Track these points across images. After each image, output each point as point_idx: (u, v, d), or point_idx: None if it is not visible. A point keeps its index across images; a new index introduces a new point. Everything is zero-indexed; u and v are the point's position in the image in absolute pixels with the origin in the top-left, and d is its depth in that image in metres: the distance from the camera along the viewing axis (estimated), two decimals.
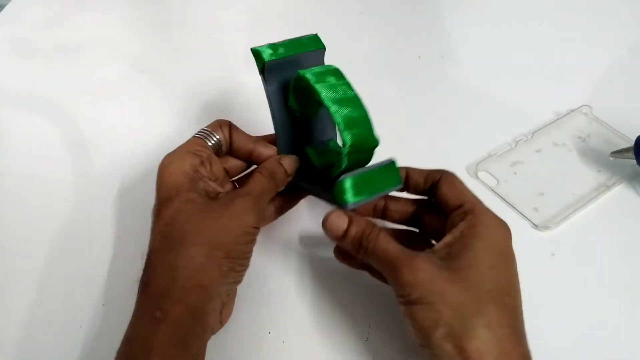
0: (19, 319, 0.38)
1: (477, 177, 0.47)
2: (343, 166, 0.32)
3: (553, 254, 0.41)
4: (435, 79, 0.58)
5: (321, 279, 0.40)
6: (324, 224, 0.33)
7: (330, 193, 0.33)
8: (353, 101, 0.33)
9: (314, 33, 0.37)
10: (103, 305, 0.39)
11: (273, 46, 0.36)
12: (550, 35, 0.63)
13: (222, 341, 0.37)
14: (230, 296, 0.34)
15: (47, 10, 0.69)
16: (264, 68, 0.36)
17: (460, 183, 0.34)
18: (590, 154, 0.48)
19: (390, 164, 0.34)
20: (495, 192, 0.45)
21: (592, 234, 0.43)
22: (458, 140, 0.50)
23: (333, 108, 0.32)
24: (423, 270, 0.29)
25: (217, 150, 0.37)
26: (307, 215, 0.44)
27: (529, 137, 0.50)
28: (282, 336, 0.37)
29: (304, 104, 0.37)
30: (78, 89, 0.57)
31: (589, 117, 0.52)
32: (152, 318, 0.28)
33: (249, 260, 0.33)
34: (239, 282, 0.33)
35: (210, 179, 0.34)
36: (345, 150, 0.31)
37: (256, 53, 0.36)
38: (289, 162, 0.36)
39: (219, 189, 0.34)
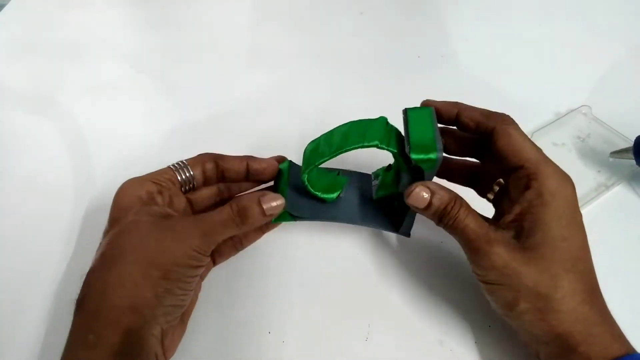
0: (19, 319, 0.38)
1: None
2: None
3: None
4: (435, 79, 0.58)
5: (321, 278, 0.40)
6: (408, 195, 0.32)
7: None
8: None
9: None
10: None
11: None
12: (550, 35, 0.63)
13: (222, 341, 0.37)
14: (171, 323, 0.31)
15: (47, 10, 0.69)
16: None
17: (519, 135, 0.32)
18: (590, 154, 0.49)
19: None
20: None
21: (591, 234, 0.43)
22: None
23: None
24: (499, 255, 0.30)
25: (187, 186, 0.36)
26: None
27: (529, 137, 0.50)
28: (282, 336, 0.37)
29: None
30: (78, 89, 0.57)
31: (589, 117, 0.52)
32: (85, 342, 0.27)
33: (192, 285, 0.31)
34: (181, 307, 0.31)
35: (166, 207, 0.34)
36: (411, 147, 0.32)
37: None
38: (270, 205, 0.32)
39: (174, 214, 0.33)
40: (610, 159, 0.47)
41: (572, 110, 0.53)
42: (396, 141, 0.34)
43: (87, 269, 0.41)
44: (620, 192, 0.46)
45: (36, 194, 0.47)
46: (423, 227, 0.43)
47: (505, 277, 0.30)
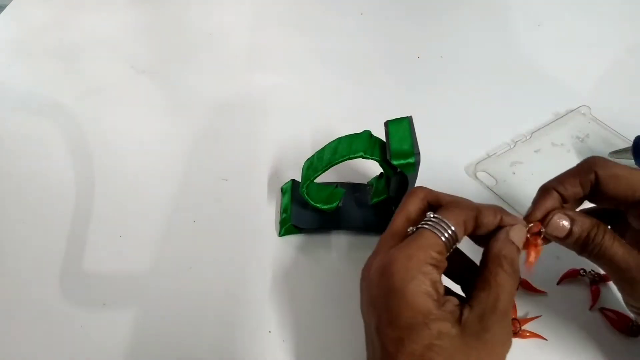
0: (20, 319, 0.38)
1: (476, 177, 0.47)
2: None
3: (558, 257, 0.41)
4: (434, 79, 0.58)
5: (321, 278, 0.40)
6: (547, 225, 0.30)
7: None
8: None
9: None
10: (103, 305, 0.39)
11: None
12: (549, 35, 0.63)
13: (222, 341, 0.37)
14: None
15: (47, 11, 0.69)
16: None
17: (621, 169, 0.30)
18: (589, 154, 0.48)
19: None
20: (494, 192, 0.46)
21: None
22: (457, 140, 0.50)
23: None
24: None
25: (450, 248, 0.28)
26: None
27: (528, 137, 0.50)
28: (282, 335, 0.37)
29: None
30: (78, 89, 0.57)
31: (588, 117, 0.52)
32: None
33: None
34: None
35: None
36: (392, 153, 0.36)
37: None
38: (518, 234, 0.28)
39: (456, 301, 0.27)
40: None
41: (571, 111, 0.53)
42: (379, 150, 0.37)
43: (88, 268, 0.41)
44: None
45: (36, 194, 0.47)
46: None
47: None
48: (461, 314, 0.26)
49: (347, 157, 0.37)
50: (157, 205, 0.46)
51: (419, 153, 0.36)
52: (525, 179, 0.47)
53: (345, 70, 0.59)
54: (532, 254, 0.30)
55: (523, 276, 0.30)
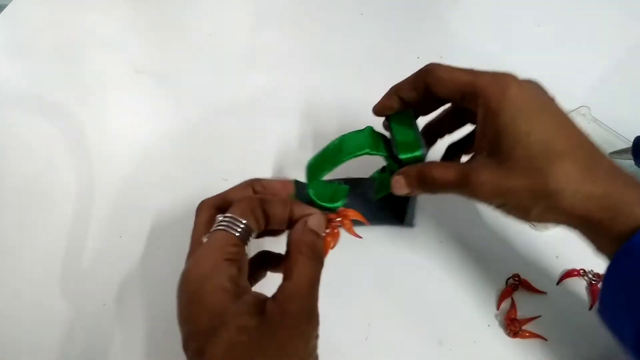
0: (20, 319, 0.38)
1: None
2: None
3: (557, 257, 0.41)
4: None
5: (323, 276, 0.40)
6: (393, 190, 0.35)
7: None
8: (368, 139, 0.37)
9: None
10: (103, 305, 0.39)
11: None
12: (549, 36, 0.64)
13: None
14: None
15: (48, 11, 0.69)
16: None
17: (445, 70, 0.32)
18: None
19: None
20: None
21: None
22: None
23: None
24: (484, 182, 0.30)
25: (246, 240, 0.28)
26: None
27: None
28: None
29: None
30: (79, 89, 0.57)
31: (587, 118, 0.52)
32: None
33: None
34: None
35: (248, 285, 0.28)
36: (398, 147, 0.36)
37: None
38: (317, 223, 0.30)
39: (262, 295, 0.27)
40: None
41: (570, 111, 0.53)
42: (384, 146, 0.37)
43: (88, 268, 0.41)
44: None
45: (36, 194, 0.47)
46: (423, 227, 0.43)
47: (504, 196, 0.30)
48: (264, 302, 0.26)
49: (353, 154, 0.36)
50: (157, 205, 0.46)
51: (425, 146, 0.35)
52: None
53: (345, 70, 0.59)
54: (332, 242, 0.32)
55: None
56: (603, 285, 0.30)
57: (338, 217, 0.34)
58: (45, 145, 0.51)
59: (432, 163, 0.33)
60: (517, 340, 0.36)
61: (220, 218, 0.28)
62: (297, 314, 0.26)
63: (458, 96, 0.32)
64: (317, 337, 0.27)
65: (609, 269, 0.29)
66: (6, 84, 0.59)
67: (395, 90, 0.36)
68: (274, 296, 0.26)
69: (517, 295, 0.39)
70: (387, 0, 0.69)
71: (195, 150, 0.51)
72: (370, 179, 0.44)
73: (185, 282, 0.26)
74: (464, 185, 0.31)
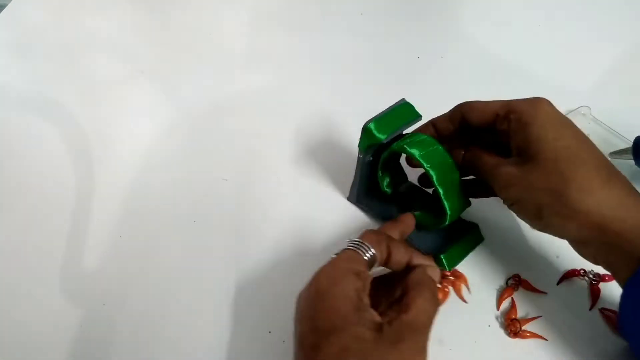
0: (20, 319, 0.38)
1: None
2: (444, 225, 0.38)
3: (558, 257, 0.41)
4: (434, 80, 0.58)
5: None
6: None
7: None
8: (451, 167, 0.38)
9: (403, 99, 0.40)
10: (103, 305, 0.39)
11: (378, 124, 0.38)
12: (549, 35, 0.63)
13: (222, 341, 0.37)
14: None
15: (47, 11, 0.69)
16: (369, 146, 0.39)
17: (480, 102, 0.36)
18: None
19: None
20: None
21: None
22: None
23: (436, 178, 0.37)
24: (508, 172, 0.33)
25: (370, 266, 0.32)
26: (308, 215, 0.44)
27: None
28: (283, 336, 0.37)
29: (390, 174, 0.43)
30: (78, 89, 0.57)
31: (588, 117, 0.52)
32: None
33: None
34: None
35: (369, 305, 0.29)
36: (447, 216, 0.37)
37: (369, 133, 0.38)
38: (436, 274, 0.33)
39: (378, 318, 0.29)
40: (610, 160, 0.47)
41: (571, 111, 0.53)
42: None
43: (88, 268, 0.41)
44: None
45: (36, 194, 0.47)
46: None
47: (522, 190, 0.32)
48: (381, 325, 0.27)
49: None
50: (157, 205, 0.46)
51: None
52: None
53: (345, 70, 0.59)
54: (442, 299, 0.36)
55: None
56: (623, 301, 0.31)
57: (451, 276, 0.38)
58: (45, 145, 0.51)
59: (476, 149, 0.38)
60: (518, 340, 0.36)
61: (351, 240, 0.32)
62: (410, 344, 0.27)
63: (492, 119, 0.36)
64: None
65: (630, 284, 0.29)
66: (6, 83, 0.59)
67: (432, 121, 0.39)
68: (389, 321, 0.28)
69: (517, 295, 0.39)
70: (387, 0, 0.69)
71: (196, 150, 0.51)
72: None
73: (314, 282, 0.29)
74: (491, 172, 0.35)
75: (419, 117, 0.39)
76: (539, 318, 0.37)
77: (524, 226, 0.43)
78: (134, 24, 0.67)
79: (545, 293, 0.39)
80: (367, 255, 0.31)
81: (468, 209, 0.39)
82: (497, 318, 0.38)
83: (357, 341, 0.26)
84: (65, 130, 0.53)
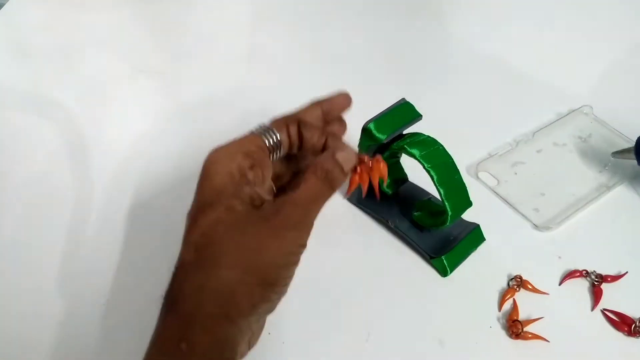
0: (20, 319, 0.38)
1: (477, 177, 0.47)
2: (446, 226, 0.38)
3: (560, 257, 0.41)
4: (434, 79, 0.58)
5: (321, 279, 0.40)
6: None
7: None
8: (452, 167, 0.38)
9: (403, 99, 0.39)
10: (103, 304, 0.39)
11: (378, 124, 0.38)
12: (551, 35, 0.63)
13: None
14: (261, 323, 0.31)
15: (46, 10, 0.68)
16: (369, 146, 0.39)
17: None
18: (591, 155, 0.48)
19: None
20: (496, 193, 0.45)
21: (593, 235, 0.43)
22: (458, 140, 0.50)
23: (436, 178, 0.36)
24: None
25: (274, 152, 0.31)
26: None
27: (530, 137, 0.50)
28: (282, 336, 0.37)
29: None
30: (78, 89, 0.57)
31: (590, 117, 0.52)
32: (177, 349, 0.26)
33: (287, 287, 0.29)
34: (273, 309, 0.29)
35: (257, 185, 0.29)
36: (449, 217, 0.37)
37: (369, 133, 0.37)
38: (345, 158, 0.30)
39: (266, 196, 0.29)
40: (612, 159, 0.46)
41: (573, 110, 0.52)
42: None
43: (88, 268, 0.41)
44: (621, 192, 0.46)
45: (36, 194, 0.47)
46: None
47: None
48: (263, 202, 0.28)
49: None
50: (157, 205, 0.46)
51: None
52: (527, 179, 0.47)
53: (345, 70, 0.59)
54: (355, 182, 0.32)
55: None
56: None
57: (371, 161, 0.32)
58: (45, 145, 0.51)
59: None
60: (519, 341, 0.36)
61: (260, 125, 0.32)
62: (286, 219, 0.27)
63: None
64: (301, 246, 0.28)
65: None
66: (5, 83, 0.59)
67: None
68: (274, 199, 0.29)
69: (519, 296, 0.38)
70: (387, 0, 0.69)
71: (196, 149, 0.50)
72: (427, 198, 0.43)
73: (204, 161, 0.30)
74: None
75: (419, 116, 0.39)
76: (541, 319, 0.37)
77: (526, 227, 0.43)
78: (133, 24, 0.67)
79: (547, 294, 0.38)
80: (271, 139, 0.31)
81: (469, 209, 0.39)
82: (498, 319, 0.37)
83: (229, 212, 0.27)
84: (64, 129, 0.53)
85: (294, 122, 0.32)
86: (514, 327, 0.36)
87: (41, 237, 0.43)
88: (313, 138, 0.32)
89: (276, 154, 0.31)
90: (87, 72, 0.60)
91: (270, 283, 0.27)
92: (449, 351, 0.36)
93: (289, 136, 0.31)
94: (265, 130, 0.31)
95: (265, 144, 0.30)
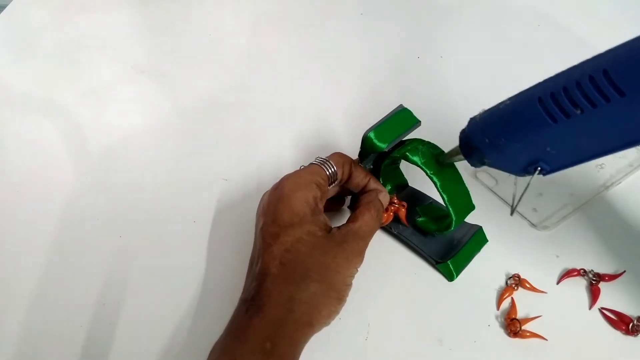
0: (20, 319, 0.38)
1: (476, 177, 0.47)
2: (450, 231, 0.38)
3: (558, 256, 0.41)
4: (434, 80, 0.58)
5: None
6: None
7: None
8: (454, 172, 0.38)
9: (401, 105, 0.39)
10: (103, 305, 0.39)
11: (379, 133, 0.37)
12: (549, 35, 0.63)
13: None
14: None
15: (47, 11, 0.69)
16: (369, 155, 0.39)
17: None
18: None
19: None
20: (495, 193, 0.46)
21: (591, 234, 0.43)
22: (458, 140, 0.50)
23: (439, 184, 0.37)
24: None
25: (331, 182, 0.37)
26: None
27: None
28: None
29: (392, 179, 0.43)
30: (78, 89, 0.57)
31: None
32: (261, 349, 0.29)
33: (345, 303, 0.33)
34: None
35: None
36: (453, 222, 0.37)
37: (370, 142, 0.37)
38: (385, 199, 0.38)
39: (330, 223, 0.35)
40: (612, 159, 0.47)
41: None
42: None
43: (88, 268, 0.41)
44: (619, 192, 0.46)
45: (36, 194, 0.47)
46: None
47: None
48: (331, 228, 0.34)
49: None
50: (157, 205, 0.46)
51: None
52: (526, 179, 0.47)
53: (345, 70, 0.59)
54: (386, 218, 0.39)
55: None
56: None
57: (396, 204, 0.40)
58: (45, 145, 0.51)
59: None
60: (517, 340, 0.36)
61: (319, 158, 0.37)
62: (353, 247, 0.33)
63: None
64: (356, 271, 0.34)
65: None
66: (6, 83, 0.59)
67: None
68: (339, 227, 0.34)
69: (517, 295, 0.39)
70: (387, 0, 0.69)
71: (196, 150, 0.51)
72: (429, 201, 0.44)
73: (280, 186, 0.34)
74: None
75: (418, 122, 0.38)
76: (539, 318, 0.37)
77: (524, 226, 0.43)
78: (134, 24, 0.67)
79: (545, 293, 0.39)
80: (329, 171, 0.36)
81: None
82: (497, 318, 0.38)
83: (310, 235, 0.32)
84: (64, 129, 0.53)
85: (348, 162, 0.37)
86: (512, 325, 0.36)
87: (41, 237, 0.43)
88: (359, 177, 0.37)
89: (331, 184, 0.37)
90: (87, 72, 0.60)
91: (342, 297, 0.32)
92: (448, 350, 0.36)
93: (342, 172, 0.37)
94: (325, 163, 0.36)
95: (327, 174, 0.36)
